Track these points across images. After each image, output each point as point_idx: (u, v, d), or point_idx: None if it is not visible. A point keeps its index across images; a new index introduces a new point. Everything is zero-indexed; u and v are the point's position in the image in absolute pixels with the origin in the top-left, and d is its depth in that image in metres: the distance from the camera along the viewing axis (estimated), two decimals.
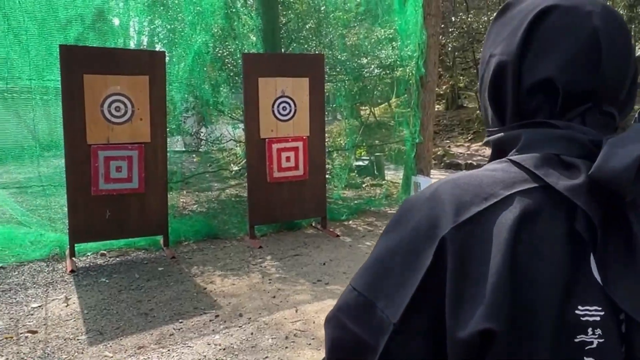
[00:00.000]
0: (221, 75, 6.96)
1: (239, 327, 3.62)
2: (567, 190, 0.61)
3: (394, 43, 8.07)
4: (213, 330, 3.59)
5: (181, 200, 7.23)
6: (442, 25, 12.27)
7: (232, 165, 8.57)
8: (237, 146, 8.55)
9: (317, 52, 7.68)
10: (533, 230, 0.61)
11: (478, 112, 15.61)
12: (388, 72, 8.28)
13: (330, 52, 8.03)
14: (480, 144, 13.53)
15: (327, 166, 6.97)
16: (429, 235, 0.62)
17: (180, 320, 3.73)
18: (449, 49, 14.35)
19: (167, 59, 5.54)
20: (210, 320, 3.73)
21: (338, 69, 8.16)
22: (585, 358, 0.59)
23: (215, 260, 5.08)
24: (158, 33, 6.76)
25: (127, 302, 4.07)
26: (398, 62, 7.93)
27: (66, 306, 4.00)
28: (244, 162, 7.45)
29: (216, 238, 5.84)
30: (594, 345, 0.59)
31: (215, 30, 6.60)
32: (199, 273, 4.73)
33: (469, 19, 13.52)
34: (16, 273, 4.68)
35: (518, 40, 0.70)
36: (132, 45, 6.41)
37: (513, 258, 0.59)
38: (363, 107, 11.02)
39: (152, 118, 5.00)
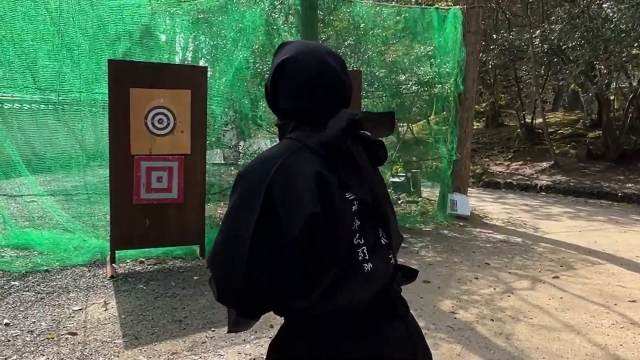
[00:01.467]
0: (260, 90, 7.11)
1: (270, 337, 3.66)
2: (316, 144, 1.18)
3: (432, 60, 8.06)
4: (244, 340, 3.64)
5: (218, 211, 7.38)
6: (483, 43, 12.16)
7: None
8: None
9: (355, 68, 7.75)
10: (311, 161, 1.15)
11: (519, 130, 15.32)
12: (426, 89, 8.27)
13: (368, 69, 8.09)
14: (520, 163, 13.26)
15: None
16: (259, 183, 1.13)
17: (212, 329, 3.80)
18: (490, 66, 14.18)
19: (209, 73, 5.71)
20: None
21: (376, 85, 8.20)
22: (355, 218, 1.19)
23: None
24: (201, 49, 6.97)
25: (162, 308, 4.17)
26: (436, 79, 7.91)
27: (105, 310, 4.13)
28: None
29: None
30: (355, 208, 1.19)
31: (256, 47, 6.77)
32: None
33: (510, 37, 13.34)
34: (60, 276, 4.88)
35: (270, 82, 1.30)
36: (177, 60, 6.65)
37: (312, 175, 1.13)
38: (401, 124, 11.01)
39: (193, 131, 5.15)
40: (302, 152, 1.17)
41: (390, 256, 1.30)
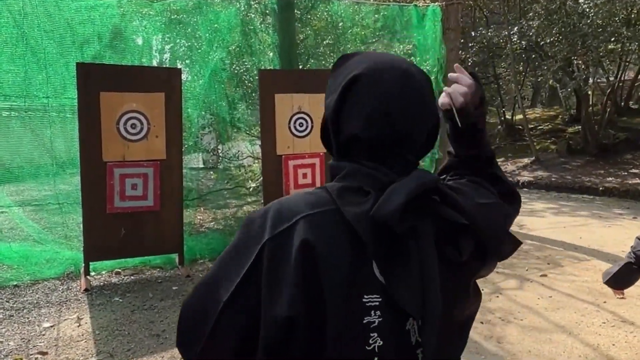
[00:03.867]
0: (238, 92, 6.93)
1: None
2: (351, 217, 0.83)
3: (412, 58, 7.96)
4: None
5: (198, 217, 7.18)
6: (462, 40, 12.14)
7: (249, 182, 8.52)
8: (254, 163, 8.50)
9: None
10: (323, 240, 0.82)
11: (499, 127, 15.36)
12: None
13: None
14: (501, 159, 13.28)
15: None
16: (255, 242, 0.85)
17: None
18: (469, 63, 14.19)
19: (183, 76, 5.53)
20: None
21: None
22: (370, 334, 0.82)
23: None
24: (175, 51, 6.77)
25: (139, 322, 3.98)
26: None
27: (78, 326, 3.93)
28: (261, 179, 7.39)
29: None
30: (376, 324, 0.82)
31: (232, 47, 6.59)
32: None
33: (489, 34, 13.35)
34: (30, 292, 4.65)
35: (335, 102, 0.93)
36: (153, 62, 6.43)
37: (305, 262, 0.80)
38: None
39: (168, 135, 4.96)
40: (327, 216, 0.85)
41: None
